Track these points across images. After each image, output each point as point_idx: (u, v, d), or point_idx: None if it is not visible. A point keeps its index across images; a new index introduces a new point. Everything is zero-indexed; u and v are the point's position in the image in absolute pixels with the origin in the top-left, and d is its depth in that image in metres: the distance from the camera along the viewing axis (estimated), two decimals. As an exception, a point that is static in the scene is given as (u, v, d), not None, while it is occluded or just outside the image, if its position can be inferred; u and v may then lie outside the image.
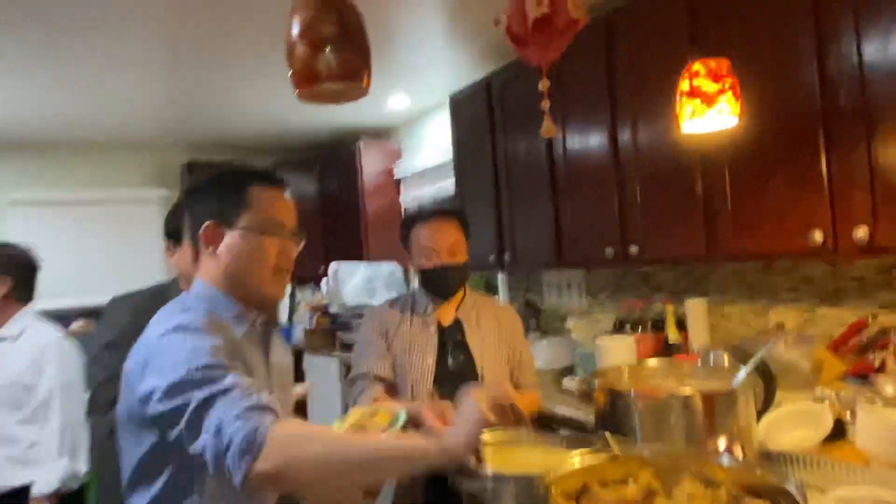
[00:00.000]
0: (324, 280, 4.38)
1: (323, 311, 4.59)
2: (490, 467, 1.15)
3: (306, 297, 5.05)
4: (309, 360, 4.57)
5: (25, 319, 2.34)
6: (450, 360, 1.97)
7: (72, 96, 3.56)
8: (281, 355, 1.42)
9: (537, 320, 3.40)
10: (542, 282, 3.47)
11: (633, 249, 2.42)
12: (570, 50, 1.41)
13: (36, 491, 2.17)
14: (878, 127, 1.69)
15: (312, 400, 2.69)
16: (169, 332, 1.15)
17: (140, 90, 3.56)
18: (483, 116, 3.19)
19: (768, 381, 1.51)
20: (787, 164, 1.90)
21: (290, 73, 1.30)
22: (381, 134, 4.86)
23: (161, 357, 1.12)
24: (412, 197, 4.53)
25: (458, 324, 2.03)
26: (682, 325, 2.55)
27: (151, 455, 1.16)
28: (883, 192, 1.69)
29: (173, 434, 1.07)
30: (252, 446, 0.98)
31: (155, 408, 1.08)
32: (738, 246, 2.06)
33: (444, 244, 1.97)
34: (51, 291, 4.17)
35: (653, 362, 1.66)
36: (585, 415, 2.28)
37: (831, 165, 1.79)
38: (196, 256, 1.30)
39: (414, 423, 1.75)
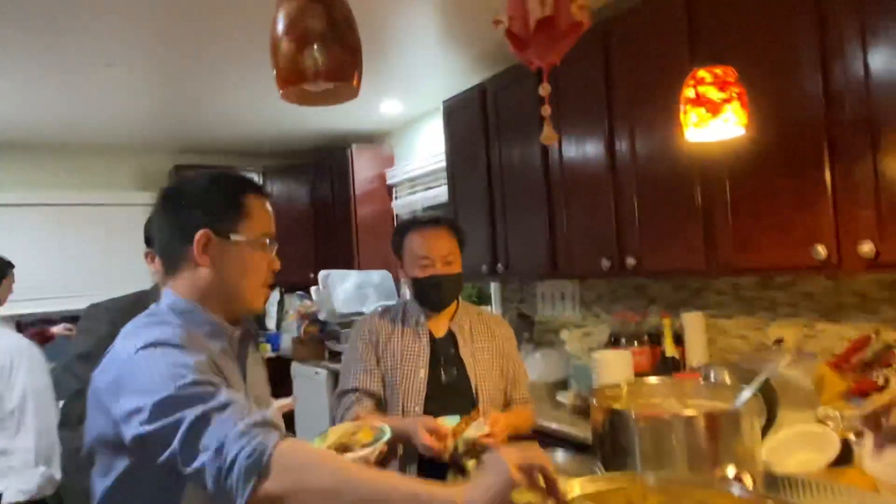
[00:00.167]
0: (314, 287, 4.31)
1: (312, 318, 4.51)
2: None
3: (295, 304, 4.97)
4: (296, 369, 4.49)
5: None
6: (443, 374, 1.90)
7: (58, 98, 3.49)
8: (256, 369, 1.36)
9: (530, 332, 3.34)
10: (536, 292, 3.42)
11: (630, 261, 2.36)
12: (567, 56, 1.35)
13: (8, 499, 2.10)
14: (883, 139, 1.65)
15: (297, 413, 2.62)
16: (145, 347, 1.08)
17: (127, 93, 3.49)
18: (477, 123, 3.14)
19: (771, 401, 1.46)
20: (789, 177, 1.85)
21: (274, 71, 1.23)
22: (373, 139, 4.80)
23: (138, 375, 1.05)
24: (404, 203, 4.48)
25: (451, 336, 1.97)
26: (678, 338, 2.50)
27: (121, 483, 1.10)
28: (889, 206, 1.65)
29: (164, 456, 1.00)
30: (258, 466, 0.94)
31: (139, 429, 1.02)
32: (739, 260, 2.01)
33: (439, 253, 1.91)
34: (35, 295, 4.16)
35: (653, 380, 1.60)
36: (581, 431, 2.23)
37: (835, 178, 1.75)
38: (171, 266, 1.23)
39: (400, 439, 1.68)
